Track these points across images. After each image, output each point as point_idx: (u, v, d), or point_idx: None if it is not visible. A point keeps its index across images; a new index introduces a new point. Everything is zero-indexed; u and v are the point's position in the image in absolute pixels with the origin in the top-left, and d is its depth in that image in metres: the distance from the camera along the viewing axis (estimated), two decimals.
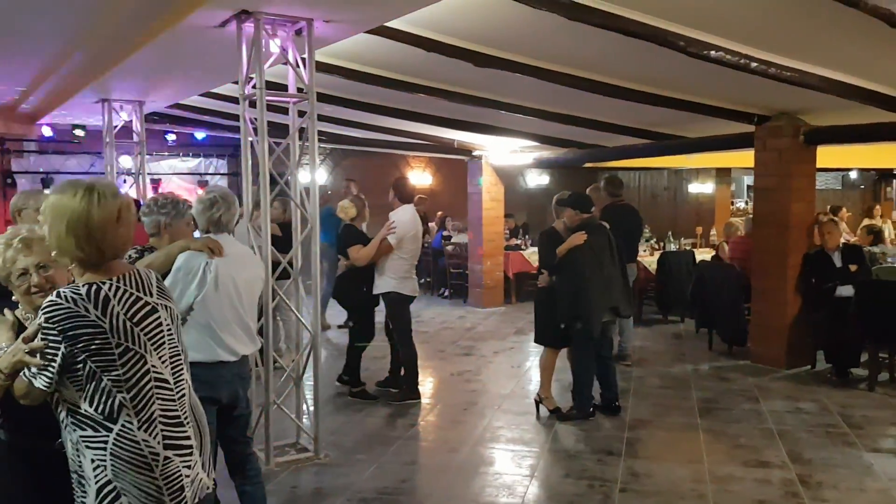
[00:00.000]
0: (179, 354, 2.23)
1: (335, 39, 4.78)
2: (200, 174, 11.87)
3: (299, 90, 4.80)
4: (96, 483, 2.08)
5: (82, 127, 9.56)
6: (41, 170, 10.83)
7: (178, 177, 11.80)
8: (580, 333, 5.56)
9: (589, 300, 5.50)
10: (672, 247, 10.76)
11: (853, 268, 6.72)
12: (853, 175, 17.08)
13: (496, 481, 4.61)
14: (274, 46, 4.48)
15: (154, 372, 2.12)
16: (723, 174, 14.87)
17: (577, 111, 7.49)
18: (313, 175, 4.90)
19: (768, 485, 4.44)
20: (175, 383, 2.18)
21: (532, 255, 11.40)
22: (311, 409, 5.14)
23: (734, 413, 5.81)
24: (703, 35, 4.67)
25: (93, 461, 2.08)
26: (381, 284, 6.09)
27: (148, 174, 8.55)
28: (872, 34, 4.25)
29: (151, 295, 2.18)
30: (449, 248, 11.89)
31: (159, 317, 2.17)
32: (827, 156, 7.61)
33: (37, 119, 9.37)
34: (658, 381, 6.80)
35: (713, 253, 9.49)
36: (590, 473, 4.66)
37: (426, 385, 7.08)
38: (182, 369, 2.23)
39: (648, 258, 10.04)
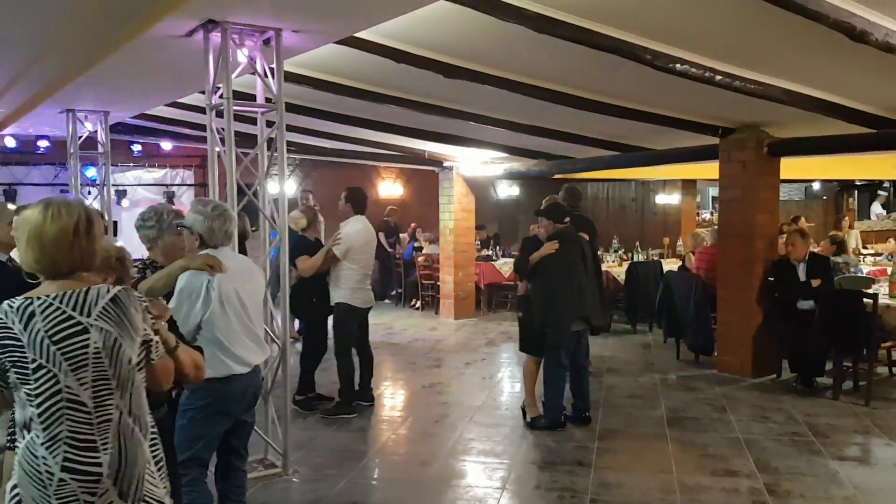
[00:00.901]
0: (109, 380, 2.14)
1: (304, 49, 4.76)
2: (167, 185, 11.71)
3: (268, 100, 4.76)
4: (11, 482, 2.15)
5: (46, 137, 9.38)
6: (4, 181, 10.60)
7: (144, 188, 11.62)
8: (550, 341, 5.60)
9: (556, 308, 5.55)
10: (640, 257, 10.86)
11: (815, 283, 6.75)
12: (816, 186, 17.41)
13: (467, 494, 4.59)
14: (242, 56, 4.44)
15: (67, 392, 2.09)
16: (689, 185, 15.08)
17: (546, 123, 7.54)
18: (282, 186, 4.86)
19: (736, 494, 4.48)
20: (96, 408, 2.12)
21: (503, 265, 11.45)
22: (280, 423, 5.07)
23: (702, 423, 5.86)
24: (669, 48, 4.73)
25: (15, 462, 2.16)
26: (334, 295, 6.11)
27: (113, 185, 8.41)
28: (835, 47, 4.34)
29: (89, 315, 2.12)
30: (420, 259, 11.87)
31: (88, 339, 2.11)
32: (790, 167, 7.75)
33: None
34: (627, 391, 6.84)
35: (680, 263, 9.61)
36: (560, 485, 4.66)
37: (397, 397, 7.04)
38: (110, 395, 2.14)
39: (617, 268, 10.13)
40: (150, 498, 2.22)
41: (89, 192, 8.37)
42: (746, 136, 7.15)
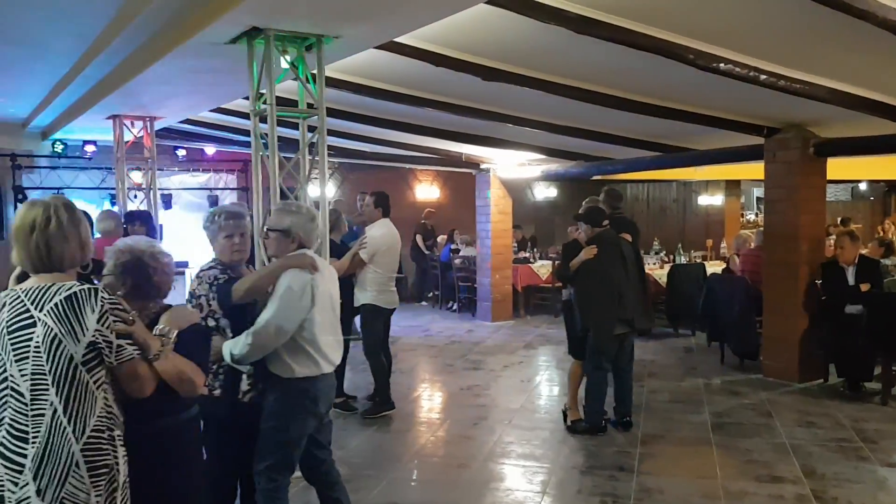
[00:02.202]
0: (45, 375, 2.17)
1: (345, 55, 4.81)
2: (210, 189, 11.90)
3: (309, 106, 4.81)
4: None
5: (93, 143, 9.61)
6: (53, 185, 10.86)
7: (189, 192, 11.82)
8: (591, 346, 5.57)
9: (596, 312, 5.52)
10: (682, 259, 10.72)
11: (864, 287, 6.57)
12: (862, 186, 17.02)
13: (508, 497, 4.58)
14: (284, 62, 4.50)
15: (11, 381, 2.19)
16: (732, 186, 14.83)
17: (584, 124, 7.50)
18: (323, 189, 4.92)
19: (782, 500, 4.39)
20: (31, 400, 2.17)
21: (541, 267, 11.41)
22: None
23: (746, 428, 5.76)
24: (712, 48, 4.68)
25: None
26: (361, 297, 6.22)
27: (158, 189, 8.58)
28: (881, 46, 4.26)
29: (41, 310, 2.18)
30: (457, 261, 11.88)
31: (33, 332, 2.17)
32: (836, 167, 7.59)
33: (48, 135, 9.43)
34: (669, 396, 6.75)
35: (724, 265, 9.46)
36: (602, 489, 4.62)
37: (435, 399, 7.06)
38: (46, 390, 2.17)
39: (658, 271, 10.01)
40: (72, 502, 2.18)
41: (135, 196, 8.54)
42: (792, 136, 7.01)
